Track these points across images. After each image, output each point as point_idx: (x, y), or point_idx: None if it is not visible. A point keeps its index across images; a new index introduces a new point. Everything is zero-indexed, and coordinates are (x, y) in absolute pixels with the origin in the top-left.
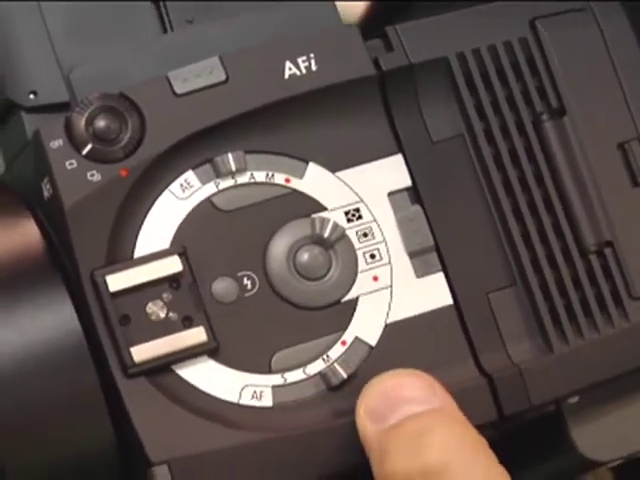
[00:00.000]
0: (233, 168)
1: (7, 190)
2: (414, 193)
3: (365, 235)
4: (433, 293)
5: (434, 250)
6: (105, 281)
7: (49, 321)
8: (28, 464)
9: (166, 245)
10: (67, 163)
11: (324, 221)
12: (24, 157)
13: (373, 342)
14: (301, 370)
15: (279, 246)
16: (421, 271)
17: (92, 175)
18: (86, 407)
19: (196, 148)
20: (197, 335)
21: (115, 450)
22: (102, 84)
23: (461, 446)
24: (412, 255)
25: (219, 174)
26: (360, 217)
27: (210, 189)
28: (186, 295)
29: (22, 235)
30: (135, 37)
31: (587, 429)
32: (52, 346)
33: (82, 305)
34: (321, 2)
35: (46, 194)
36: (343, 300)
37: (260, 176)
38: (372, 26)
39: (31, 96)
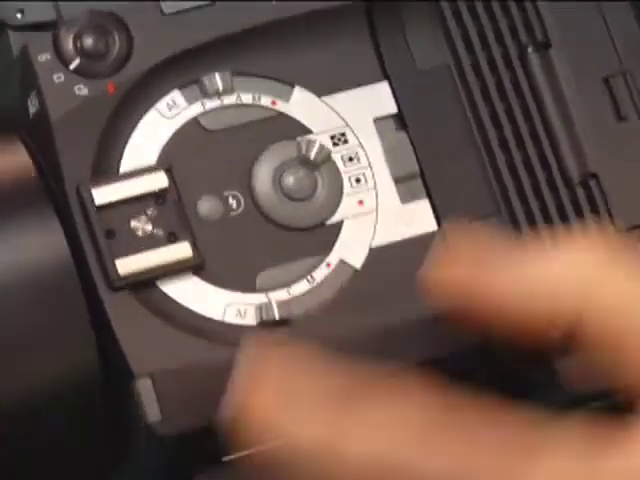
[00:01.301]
0: (220, 88)
1: None
2: (400, 120)
3: (351, 159)
4: (418, 219)
5: (419, 176)
6: (91, 194)
7: (36, 239)
8: (12, 376)
9: (152, 162)
10: (55, 77)
11: (310, 143)
12: (9, 76)
13: (358, 265)
14: (285, 290)
15: (265, 167)
16: (406, 197)
17: (79, 89)
18: (70, 320)
19: (183, 68)
20: (182, 250)
21: (98, 364)
22: (89, 2)
23: None
24: (397, 181)
25: (206, 94)
26: (346, 141)
27: (197, 109)
28: (171, 211)
29: (7, 154)
30: None
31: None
32: (38, 261)
33: (68, 220)
34: None
35: (32, 110)
36: (328, 222)
37: (247, 98)
38: None
39: (18, 15)
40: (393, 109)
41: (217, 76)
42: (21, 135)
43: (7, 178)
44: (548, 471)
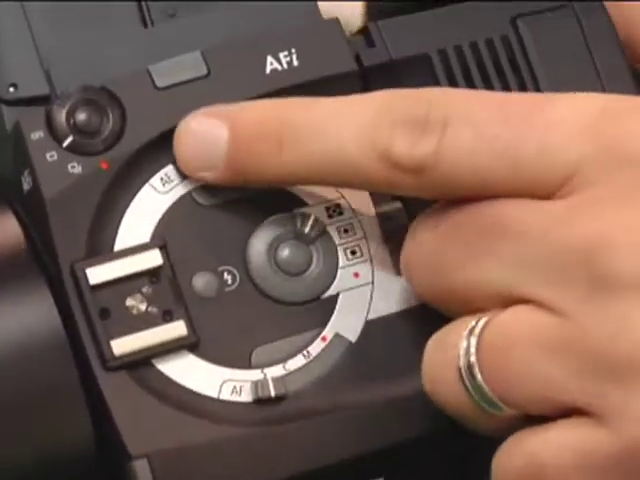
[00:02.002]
0: None
1: None
2: None
3: (346, 231)
4: (413, 290)
5: None
6: (85, 274)
7: (29, 313)
8: (4, 456)
9: (146, 239)
10: (48, 155)
11: (305, 216)
12: (2, 150)
13: (353, 338)
14: (281, 366)
15: (260, 241)
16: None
17: (73, 167)
18: (65, 400)
19: None
20: (177, 329)
21: (94, 444)
22: (82, 77)
23: None
24: (392, 252)
25: None
26: (341, 213)
27: (191, 183)
28: (166, 289)
29: (1, 228)
30: (116, 30)
31: None
32: (31, 339)
33: (61, 298)
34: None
35: (26, 186)
36: (324, 296)
37: None
38: None
39: (11, 89)
40: None
41: None
42: (14, 207)
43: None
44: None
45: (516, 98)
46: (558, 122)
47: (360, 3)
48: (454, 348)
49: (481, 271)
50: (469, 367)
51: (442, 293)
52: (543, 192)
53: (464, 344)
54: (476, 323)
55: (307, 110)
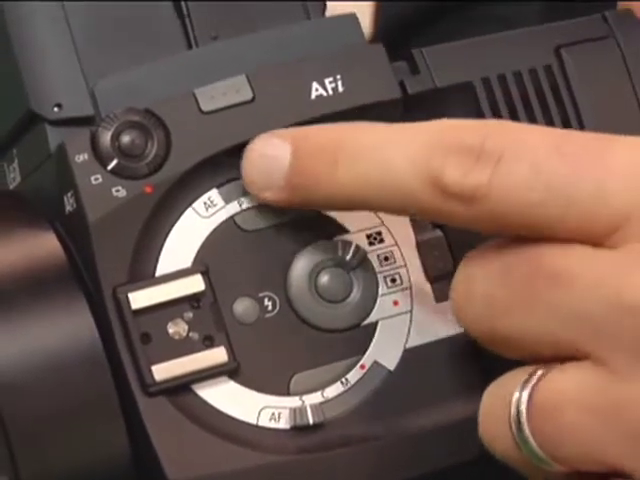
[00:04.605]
0: None
1: (27, 203)
2: None
3: (386, 259)
4: (452, 318)
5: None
6: (127, 298)
7: (70, 337)
8: (43, 474)
9: (188, 263)
10: (92, 178)
11: (346, 244)
12: (44, 170)
13: (392, 367)
14: (319, 393)
15: (301, 268)
16: (441, 296)
17: (117, 191)
18: (104, 424)
19: (221, 167)
20: (218, 355)
21: (132, 469)
22: (126, 98)
23: None
24: (432, 280)
25: (244, 193)
26: (382, 241)
27: (233, 208)
28: (207, 315)
29: (43, 249)
30: (160, 52)
31: None
32: (72, 362)
33: (103, 321)
34: (344, 17)
35: (69, 208)
36: (363, 324)
37: None
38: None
39: (55, 109)
40: None
41: None
42: (55, 227)
43: (41, 273)
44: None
45: (575, 136)
46: (616, 166)
47: (369, 3)
48: (508, 398)
49: (531, 319)
50: (519, 420)
51: (493, 336)
52: (593, 236)
53: (516, 396)
54: (530, 376)
55: (364, 134)
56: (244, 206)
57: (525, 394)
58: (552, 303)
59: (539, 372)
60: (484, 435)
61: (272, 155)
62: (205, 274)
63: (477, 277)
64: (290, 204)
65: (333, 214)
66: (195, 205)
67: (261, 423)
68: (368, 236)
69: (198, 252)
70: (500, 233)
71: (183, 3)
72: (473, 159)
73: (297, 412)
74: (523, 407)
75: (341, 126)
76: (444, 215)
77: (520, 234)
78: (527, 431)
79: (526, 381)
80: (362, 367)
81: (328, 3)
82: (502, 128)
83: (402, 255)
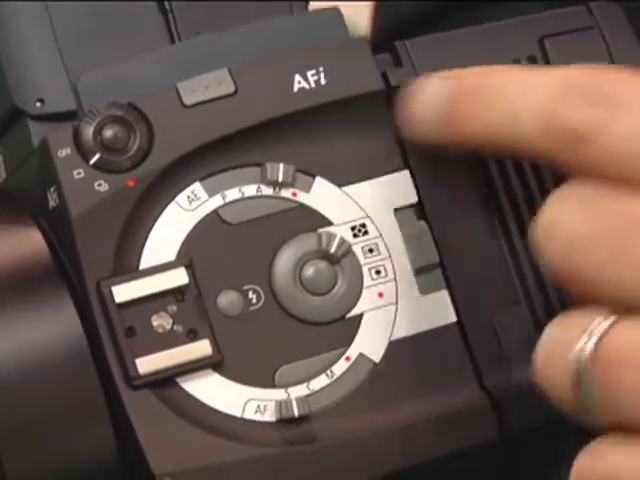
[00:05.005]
0: (280, 179)
1: (11, 198)
2: (420, 209)
3: (371, 251)
4: (437, 311)
5: (439, 267)
6: (111, 292)
7: (54, 330)
8: (28, 474)
9: (172, 257)
10: (75, 172)
11: (331, 236)
12: (28, 165)
13: (377, 359)
14: (305, 385)
15: (285, 260)
16: (426, 288)
17: (99, 185)
18: (89, 418)
19: (204, 160)
20: (202, 348)
21: (117, 462)
22: (109, 93)
23: None
24: (417, 272)
25: (227, 186)
26: (366, 232)
27: (217, 201)
28: (191, 308)
29: (27, 244)
30: (143, 47)
31: None
32: (56, 356)
33: (87, 315)
34: (328, 12)
35: (52, 203)
36: (348, 316)
37: (267, 190)
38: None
39: (38, 104)
40: (414, 199)
41: (281, 167)
42: (39, 222)
43: (24, 268)
44: None
45: None
46: None
47: (368, 3)
48: (571, 341)
49: (617, 270)
50: (580, 367)
51: (571, 273)
52: None
53: (581, 343)
54: (599, 324)
55: (506, 76)
56: (227, 199)
57: (591, 343)
58: None
59: (607, 322)
60: (539, 374)
61: (431, 94)
62: (189, 267)
63: (565, 214)
64: (444, 142)
65: (317, 206)
66: (178, 198)
67: (246, 416)
68: (352, 228)
69: (182, 245)
70: (607, 177)
71: (166, 1)
72: (589, 102)
73: (282, 404)
74: (586, 356)
75: (490, 68)
76: (556, 156)
77: (621, 181)
78: (588, 379)
79: (593, 329)
80: (347, 359)
81: (326, 2)
82: (620, 77)
83: (387, 247)
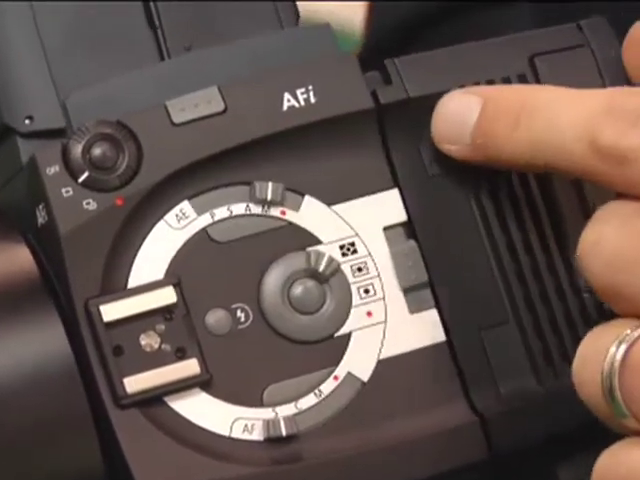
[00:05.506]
0: (269, 197)
1: (0, 216)
2: (409, 228)
3: (360, 270)
4: (426, 329)
5: (428, 286)
6: (99, 311)
7: (41, 348)
8: None
9: (160, 275)
10: (63, 190)
11: (319, 255)
12: (16, 182)
13: (365, 378)
14: (293, 404)
15: (273, 279)
16: (415, 307)
17: (88, 203)
18: (76, 436)
19: (192, 178)
20: (190, 367)
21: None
22: (98, 110)
23: None
24: (406, 291)
25: (216, 204)
26: (355, 251)
27: (205, 220)
28: (180, 326)
29: (15, 261)
30: (132, 63)
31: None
32: (44, 374)
33: (75, 334)
34: (318, 27)
35: (40, 221)
36: (336, 335)
37: (256, 208)
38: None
39: (27, 121)
40: (403, 217)
41: (269, 186)
42: (27, 240)
43: (12, 285)
44: None
45: None
46: None
47: (362, 4)
48: (604, 348)
49: None
50: (611, 373)
51: (612, 289)
52: None
53: (613, 349)
54: (632, 332)
55: (543, 95)
56: (216, 218)
57: (621, 349)
58: None
59: (638, 331)
60: (575, 381)
61: (463, 110)
62: (177, 286)
63: (607, 233)
64: (472, 160)
65: (306, 225)
66: (167, 217)
67: (234, 435)
68: (341, 247)
69: (170, 264)
70: None
71: (155, 15)
72: (630, 122)
73: (270, 424)
74: (617, 362)
75: (526, 87)
76: (597, 175)
77: None
78: (616, 385)
79: (626, 336)
80: (335, 378)
81: (318, 2)
82: None
83: (376, 266)
